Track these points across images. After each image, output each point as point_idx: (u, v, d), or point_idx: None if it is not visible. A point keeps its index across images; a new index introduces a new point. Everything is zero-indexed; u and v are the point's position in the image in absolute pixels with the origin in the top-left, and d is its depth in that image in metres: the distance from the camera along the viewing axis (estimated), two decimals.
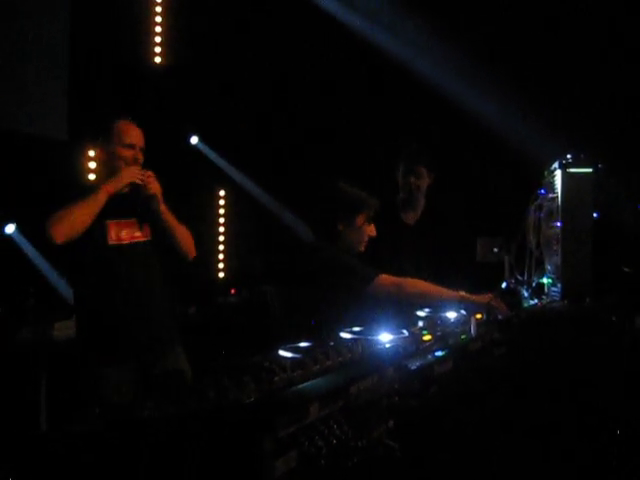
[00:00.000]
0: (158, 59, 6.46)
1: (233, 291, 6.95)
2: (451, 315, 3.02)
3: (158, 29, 6.41)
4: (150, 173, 3.54)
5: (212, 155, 7.16)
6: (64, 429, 1.53)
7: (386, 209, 3.79)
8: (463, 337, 2.73)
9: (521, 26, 5.83)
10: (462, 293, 3.13)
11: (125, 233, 3.42)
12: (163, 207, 3.52)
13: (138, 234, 3.49)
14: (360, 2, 6.41)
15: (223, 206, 7.69)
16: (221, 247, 7.66)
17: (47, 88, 5.29)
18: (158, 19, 6.41)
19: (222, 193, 7.67)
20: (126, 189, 3.48)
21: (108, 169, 3.52)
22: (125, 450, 1.51)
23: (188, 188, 6.91)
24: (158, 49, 6.44)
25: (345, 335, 2.46)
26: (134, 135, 3.57)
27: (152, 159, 6.39)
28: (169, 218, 3.53)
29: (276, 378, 1.81)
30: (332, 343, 2.24)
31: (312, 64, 6.63)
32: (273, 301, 3.91)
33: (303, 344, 2.26)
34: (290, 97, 6.80)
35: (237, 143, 6.94)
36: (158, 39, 6.44)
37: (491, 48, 5.89)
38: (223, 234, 7.66)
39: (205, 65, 6.55)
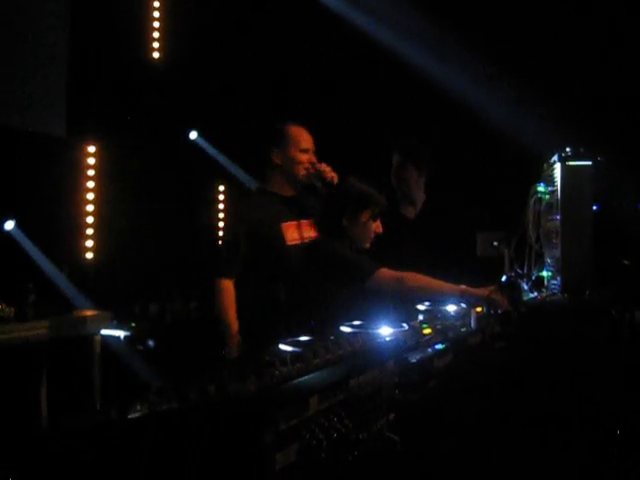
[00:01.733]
0: (156, 55, 6.46)
1: None
2: (451, 308, 3.03)
3: (156, 24, 6.41)
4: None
5: (211, 150, 7.16)
6: (62, 427, 1.53)
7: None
8: (463, 330, 2.73)
9: (521, 19, 5.83)
10: (463, 287, 3.13)
11: (297, 234, 3.63)
12: None
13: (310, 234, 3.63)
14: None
15: (222, 201, 7.69)
16: (220, 242, 7.65)
17: (45, 84, 5.28)
18: (156, 14, 6.40)
19: (221, 188, 7.68)
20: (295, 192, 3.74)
21: (287, 175, 3.70)
22: (125, 446, 1.51)
23: (187, 183, 6.92)
24: (156, 45, 6.44)
25: (345, 329, 2.46)
26: (308, 139, 3.72)
27: (151, 154, 6.43)
28: None
29: (276, 372, 1.81)
30: (332, 337, 2.25)
31: (312, 60, 6.62)
32: (274, 294, 3.92)
33: (303, 338, 2.26)
34: (290, 93, 6.79)
35: (236, 138, 6.93)
36: (156, 35, 6.43)
37: (490, 42, 5.88)
38: (222, 229, 7.66)
39: (204, 60, 6.54)
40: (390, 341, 2.32)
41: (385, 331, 2.42)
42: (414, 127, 5.62)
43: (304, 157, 3.67)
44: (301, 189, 3.77)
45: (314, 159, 3.70)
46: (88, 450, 1.48)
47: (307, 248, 3.51)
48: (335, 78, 6.62)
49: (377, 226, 3.47)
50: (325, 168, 3.65)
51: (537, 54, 5.80)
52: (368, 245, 3.47)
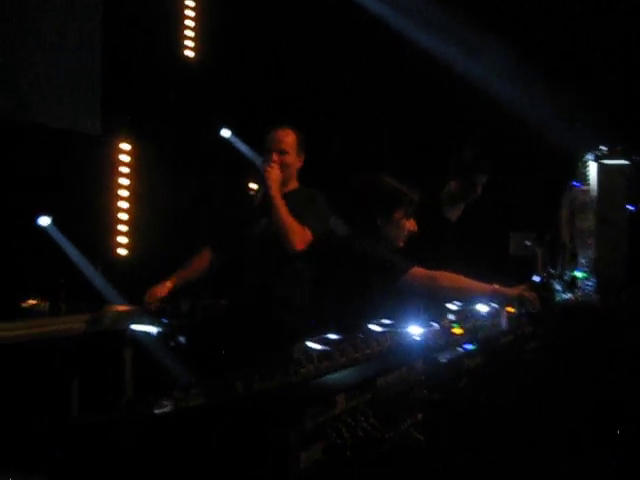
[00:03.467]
0: (190, 53, 6.49)
1: None
2: (482, 308, 3.00)
3: (190, 23, 6.43)
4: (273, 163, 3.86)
5: (243, 147, 7.17)
6: (89, 421, 1.54)
7: (428, 204, 3.77)
8: (494, 330, 2.71)
9: (554, 17, 5.76)
10: (495, 286, 3.10)
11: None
12: (274, 192, 3.78)
13: None
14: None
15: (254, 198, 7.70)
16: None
17: (80, 82, 5.34)
18: (190, 13, 6.43)
19: (254, 186, 7.68)
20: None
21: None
22: (151, 442, 1.51)
23: (220, 180, 6.95)
24: (190, 43, 6.47)
25: (374, 327, 2.45)
26: (271, 139, 3.98)
27: (184, 152, 6.46)
28: (277, 204, 3.76)
29: (303, 370, 1.81)
30: (361, 335, 2.23)
31: (347, 57, 6.60)
32: (307, 292, 3.91)
33: (332, 336, 2.25)
34: (328, 91, 6.77)
35: (268, 134, 6.93)
36: (190, 33, 6.46)
37: (528, 42, 5.82)
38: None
39: (237, 58, 6.56)
40: (419, 340, 2.30)
41: (414, 330, 2.40)
42: (455, 128, 5.60)
43: (268, 157, 3.93)
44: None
45: (274, 158, 3.91)
46: (112, 445, 1.49)
47: (339, 245, 3.50)
48: (376, 78, 6.60)
49: (411, 224, 3.43)
50: (264, 167, 3.90)
51: (572, 53, 5.73)
52: (402, 244, 3.44)
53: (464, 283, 3.18)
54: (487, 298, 3.04)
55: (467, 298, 3.10)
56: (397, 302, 3.26)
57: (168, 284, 4.19)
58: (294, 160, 3.99)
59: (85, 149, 5.58)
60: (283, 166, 3.91)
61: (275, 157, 3.88)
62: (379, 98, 6.55)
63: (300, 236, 3.75)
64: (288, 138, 3.96)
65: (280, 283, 3.83)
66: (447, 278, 3.19)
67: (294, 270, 3.81)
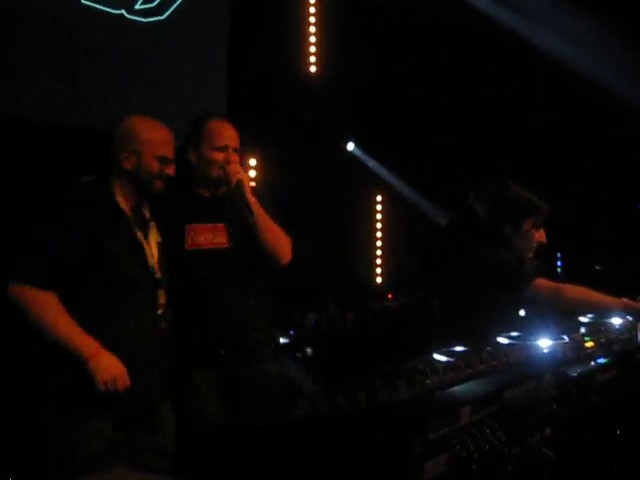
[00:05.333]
0: (313, 68, 6.60)
1: (390, 296, 6.96)
2: (616, 321, 2.88)
3: (312, 39, 6.55)
4: (234, 160, 3.14)
5: (368, 161, 7.22)
6: (221, 423, 1.60)
7: None
8: (629, 344, 2.60)
9: None
10: (625, 300, 2.97)
11: (204, 238, 3.16)
12: (252, 198, 3.07)
13: (220, 240, 3.17)
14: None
15: (380, 211, 7.73)
16: (379, 252, 7.69)
17: (208, 100, 5.51)
18: (312, 29, 6.55)
19: (379, 198, 7.72)
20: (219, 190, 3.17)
21: (200, 175, 3.19)
22: (278, 447, 1.55)
23: (346, 194, 7.02)
24: (313, 59, 6.58)
25: (502, 340, 2.41)
26: (227, 136, 3.17)
27: (310, 166, 6.57)
28: (258, 211, 3.08)
29: (428, 381, 1.80)
30: (488, 347, 2.20)
31: (469, 71, 6.54)
32: (431, 305, 3.88)
33: (459, 348, 2.23)
34: (449, 101, 6.73)
35: (394, 148, 6.95)
36: (313, 49, 6.57)
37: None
38: (380, 239, 7.70)
39: (360, 72, 6.62)
40: (548, 353, 2.24)
41: (544, 343, 2.34)
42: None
43: (218, 156, 3.14)
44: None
45: (232, 158, 3.14)
46: (235, 451, 1.53)
47: (465, 253, 3.45)
48: (499, 86, 6.52)
49: (540, 235, 3.34)
50: (232, 169, 3.10)
51: None
52: (531, 255, 3.36)
53: (591, 296, 3.07)
54: (617, 312, 2.92)
55: (594, 311, 2.99)
56: (526, 314, 3.19)
57: None
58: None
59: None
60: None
61: (236, 157, 3.17)
62: (503, 106, 6.46)
63: (289, 245, 3.22)
64: (238, 133, 3.26)
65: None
66: (573, 290, 3.10)
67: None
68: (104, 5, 4.86)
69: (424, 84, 6.65)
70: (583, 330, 2.69)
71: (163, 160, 2.79)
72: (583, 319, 2.97)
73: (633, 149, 5.96)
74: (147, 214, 2.87)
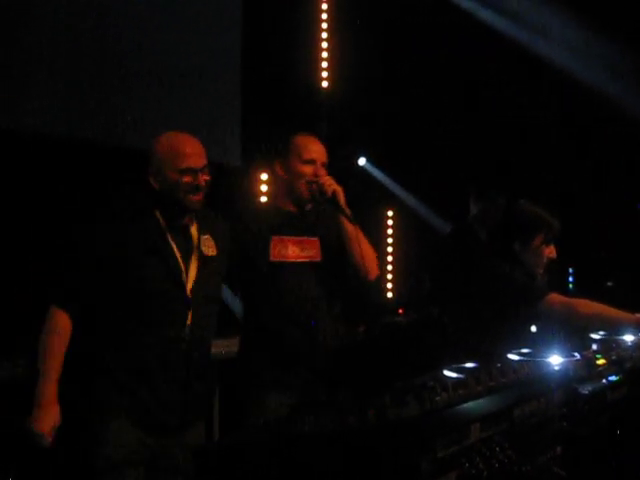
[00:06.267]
0: (325, 83, 6.62)
1: (401, 311, 6.93)
2: (628, 338, 2.86)
3: (324, 54, 6.57)
4: (323, 174, 3.15)
5: (379, 176, 7.22)
6: (230, 439, 1.59)
7: None
8: None
9: None
10: (639, 316, 2.94)
11: (291, 251, 3.16)
12: (348, 210, 3.11)
13: (309, 253, 3.18)
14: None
15: (391, 226, 7.72)
16: (389, 267, 7.67)
17: (220, 115, 5.54)
18: (324, 45, 6.57)
19: (390, 213, 7.71)
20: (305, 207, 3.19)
21: (288, 188, 3.21)
22: (285, 461, 1.54)
23: (357, 209, 7.01)
24: (325, 73, 6.60)
25: (512, 356, 2.40)
26: (314, 150, 3.20)
27: None
28: (352, 225, 3.09)
29: (437, 398, 1.78)
30: (498, 364, 2.19)
31: (482, 85, 6.55)
32: (442, 321, 3.85)
33: (469, 364, 2.22)
34: (461, 116, 6.74)
35: (405, 163, 6.95)
36: (325, 64, 6.59)
37: None
38: (391, 254, 7.67)
39: (371, 87, 6.63)
40: (559, 370, 2.22)
41: (554, 360, 2.33)
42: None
43: (307, 169, 3.15)
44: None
45: (321, 172, 3.15)
46: (244, 463, 1.52)
47: (474, 270, 3.44)
48: (510, 101, 6.52)
49: (550, 251, 3.33)
50: (326, 181, 3.10)
51: None
52: (541, 270, 3.34)
53: (605, 311, 3.03)
54: (632, 328, 2.89)
55: (608, 327, 2.96)
56: (536, 330, 3.17)
57: None
58: None
59: (225, 180, 5.77)
60: None
61: (324, 171, 3.17)
62: (514, 122, 6.46)
63: (377, 260, 3.24)
64: (325, 149, 3.27)
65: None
66: (587, 306, 3.07)
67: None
68: None
69: (434, 101, 6.66)
70: (594, 347, 2.67)
71: (187, 172, 2.67)
72: (595, 336, 2.94)
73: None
74: (194, 230, 2.80)
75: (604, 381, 2.34)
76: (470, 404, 1.81)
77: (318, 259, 3.17)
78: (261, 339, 3.13)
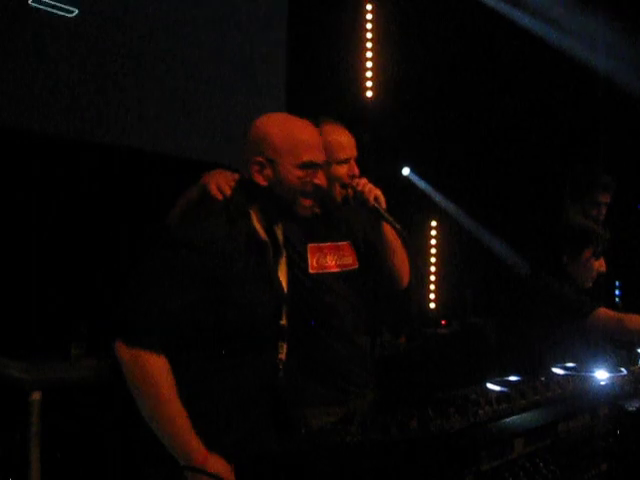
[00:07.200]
0: (369, 93, 6.63)
1: (444, 322, 6.90)
2: None
3: (369, 64, 6.59)
4: (357, 173, 2.74)
5: (423, 185, 7.20)
6: (270, 448, 1.60)
7: None
8: None
9: None
10: None
11: (330, 259, 2.78)
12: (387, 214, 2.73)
13: (347, 260, 2.83)
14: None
15: (435, 236, 7.69)
16: (432, 277, 7.64)
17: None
18: (369, 54, 6.59)
19: (434, 224, 7.68)
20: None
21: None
22: (327, 473, 1.55)
23: (401, 219, 7.00)
24: (369, 83, 6.61)
25: (558, 370, 2.37)
26: (347, 144, 2.76)
27: None
28: (397, 231, 2.79)
29: (480, 411, 1.77)
30: (543, 378, 2.17)
31: (529, 95, 6.51)
32: (486, 333, 3.83)
33: (512, 378, 2.20)
34: (504, 126, 6.70)
35: (450, 173, 6.93)
36: (369, 74, 6.61)
37: None
38: (434, 264, 7.64)
39: (416, 97, 6.63)
40: (605, 386, 2.19)
41: (601, 375, 2.30)
42: None
43: (341, 170, 2.71)
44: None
45: (355, 171, 2.73)
46: (287, 473, 1.53)
47: (520, 284, 3.42)
48: (548, 105, 6.47)
49: (600, 264, 3.29)
50: (364, 187, 2.68)
51: None
52: (590, 284, 3.30)
53: None
54: None
55: None
56: (583, 345, 3.14)
57: None
58: None
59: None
60: None
61: (357, 169, 2.76)
62: (557, 127, 6.41)
63: (409, 267, 2.91)
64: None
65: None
66: (635, 321, 3.03)
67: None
68: None
69: (481, 110, 6.63)
70: None
71: (308, 167, 2.16)
72: None
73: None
74: (281, 241, 2.33)
75: None
76: (514, 418, 1.80)
77: (356, 266, 2.84)
78: (304, 354, 2.76)
